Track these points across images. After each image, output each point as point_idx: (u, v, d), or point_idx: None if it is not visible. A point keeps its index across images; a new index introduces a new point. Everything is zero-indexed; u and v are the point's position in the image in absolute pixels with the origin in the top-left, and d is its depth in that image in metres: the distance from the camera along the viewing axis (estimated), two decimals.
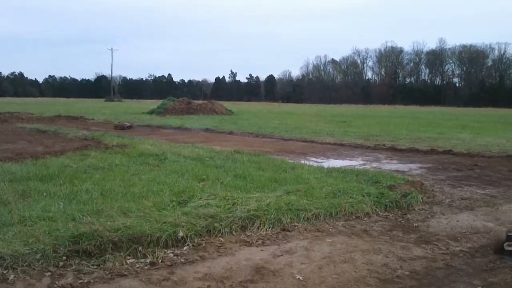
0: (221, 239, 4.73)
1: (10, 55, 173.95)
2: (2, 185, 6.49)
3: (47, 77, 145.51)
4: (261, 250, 4.51)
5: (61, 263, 3.87)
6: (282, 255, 4.36)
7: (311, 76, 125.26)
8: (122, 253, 4.14)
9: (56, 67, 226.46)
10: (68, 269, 3.81)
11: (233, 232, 4.93)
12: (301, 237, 4.91)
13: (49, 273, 3.71)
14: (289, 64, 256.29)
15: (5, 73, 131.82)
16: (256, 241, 4.75)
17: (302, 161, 10.05)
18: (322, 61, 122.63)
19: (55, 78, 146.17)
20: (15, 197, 5.73)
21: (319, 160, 10.78)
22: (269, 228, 5.12)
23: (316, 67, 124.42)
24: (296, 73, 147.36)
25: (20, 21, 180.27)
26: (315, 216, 5.51)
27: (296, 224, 5.30)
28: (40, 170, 7.64)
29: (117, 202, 5.54)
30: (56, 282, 3.57)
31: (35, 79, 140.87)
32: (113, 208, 5.17)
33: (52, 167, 7.90)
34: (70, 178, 7.00)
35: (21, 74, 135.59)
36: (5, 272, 3.64)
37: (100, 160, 8.92)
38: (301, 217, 5.42)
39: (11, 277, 3.60)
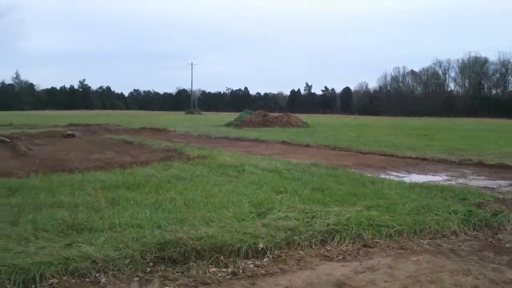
0: (301, 252, 4.70)
1: (99, 70, 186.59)
2: (93, 192, 6.93)
3: (132, 91, 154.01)
4: (342, 265, 4.43)
5: (148, 269, 4.05)
6: (364, 272, 4.24)
7: (389, 88, 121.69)
8: (205, 262, 4.25)
9: (141, 82, 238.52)
10: (154, 275, 3.97)
11: (313, 246, 4.88)
12: (384, 254, 4.76)
13: (137, 278, 3.89)
14: (366, 75, 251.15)
15: (94, 87, 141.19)
16: (337, 256, 4.66)
17: (382, 176, 9.75)
18: (401, 72, 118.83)
19: (140, 92, 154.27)
20: (105, 204, 6.09)
21: (400, 174, 10.41)
22: (349, 243, 5.01)
23: (395, 79, 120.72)
24: (373, 84, 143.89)
25: (107, 39, 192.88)
26: (398, 233, 5.31)
27: (378, 240, 5.14)
28: (128, 179, 8.08)
29: (199, 211, 5.70)
30: None
31: (121, 92, 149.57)
32: (195, 217, 5.33)
33: (138, 177, 8.32)
34: (155, 188, 7.33)
35: (108, 88, 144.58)
36: (97, 275, 3.87)
37: (182, 170, 9.26)
38: (383, 234, 5.25)
39: (103, 280, 3.81)
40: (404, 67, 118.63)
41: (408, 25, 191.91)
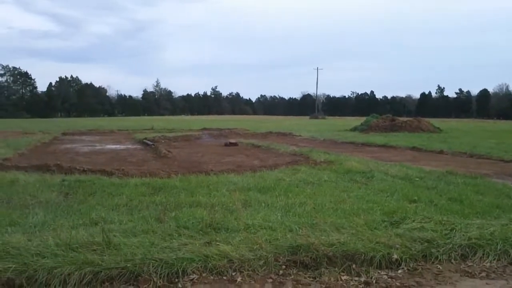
0: (438, 266, 4.42)
1: (229, 78, 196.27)
2: (227, 194, 7.28)
3: (259, 96, 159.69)
4: (486, 283, 4.08)
5: (281, 272, 4.13)
6: None
7: None
8: (336, 269, 4.21)
9: (267, 88, 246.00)
10: (287, 278, 4.04)
11: (452, 261, 4.56)
12: None
13: (270, 280, 3.99)
14: (507, 77, 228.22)
15: (225, 93, 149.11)
16: (479, 273, 4.30)
17: None
18: None
19: (266, 97, 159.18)
20: (239, 205, 6.35)
21: None
22: (494, 260, 4.60)
23: None
24: None
25: (238, 49, 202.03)
26: None
27: None
28: (258, 182, 8.35)
29: (329, 217, 5.67)
30: None
31: (249, 98, 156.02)
32: (326, 223, 5.31)
33: (268, 180, 8.56)
34: (284, 191, 7.48)
35: (237, 94, 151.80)
36: (233, 274, 4.05)
37: (309, 175, 9.31)
38: None
39: (239, 279, 3.98)
40: None
41: None
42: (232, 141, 18.50)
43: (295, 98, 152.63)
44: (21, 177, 8.87)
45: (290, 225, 5.21)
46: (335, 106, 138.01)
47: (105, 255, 4.15)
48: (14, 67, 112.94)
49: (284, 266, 4.21)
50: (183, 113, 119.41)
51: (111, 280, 3.88)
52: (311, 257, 4.30)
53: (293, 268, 4.20)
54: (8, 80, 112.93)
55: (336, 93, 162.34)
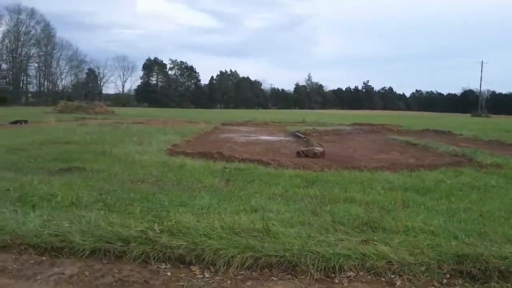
0: None
1: (382, 71, 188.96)
2: (382, 192, 7.06)
3: (414, 91, 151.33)
4: None
5: (444, 281, 3.86)
6: None
7: None
8: (509, 285, 3.79)
9: (423, 82, 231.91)
10: None
11: None
12: None
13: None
14: None
15: (377, 88, 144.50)
16: None
17: None
18: None
19: (422, 93, 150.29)
20: (395, 205, 6.11)
21: None
22: None
23: None
24: None
25: (391, 41, 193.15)
26: None
27: None
28: (416, 182, 7.93)
29: (500, 227, 5.13)
30: None
31: (403, 93, 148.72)
32: (496, 233, 4.81)
33: (426, 181, 8.08)
34: (446, 194, 6.98)
35: (390, 89, 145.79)
36: (392, 276, 3.90)
37: (474, 178, 8.54)
38: None
39: (398, 283, 3.82)
40: None
41: None
42: (305, 149, 13.10)
43: (454, 93, 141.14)
44: (188, 162, 9.76)
45: (454, 232, 4.83)
46: (502, 104, 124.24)
47: (264, 242, 4.34)
48: (181, 62, 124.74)
49: (448, 275, 3.92)
50: (333, 107, 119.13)
51: (270, 267, 4.04)
52: (479, 269, 3.94)
53: (458, 279, 3.89)
54: (176, 73, 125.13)
55: (503, 89, 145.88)
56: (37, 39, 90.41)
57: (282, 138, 20.54)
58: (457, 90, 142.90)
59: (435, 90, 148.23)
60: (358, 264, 4.02)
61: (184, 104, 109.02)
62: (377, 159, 12.20)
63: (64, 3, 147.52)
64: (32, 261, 4.20)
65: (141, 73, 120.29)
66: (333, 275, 3.94)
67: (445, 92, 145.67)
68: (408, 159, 12.49)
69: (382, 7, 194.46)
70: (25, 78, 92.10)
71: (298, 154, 12.48)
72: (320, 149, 13.04)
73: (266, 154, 12.56)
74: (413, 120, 46.90)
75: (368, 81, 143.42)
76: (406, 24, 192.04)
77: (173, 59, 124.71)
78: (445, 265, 4.00)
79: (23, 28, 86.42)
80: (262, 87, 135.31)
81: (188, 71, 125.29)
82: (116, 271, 4.02)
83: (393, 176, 8.53)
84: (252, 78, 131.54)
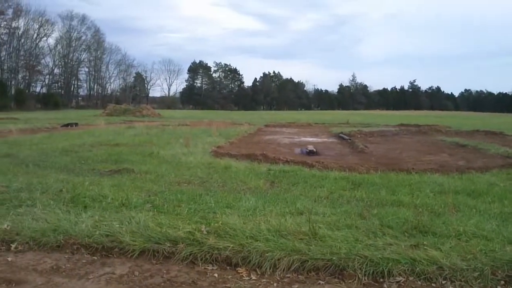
0: None
1: (429, 71, 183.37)
2: (431, 195, 6.88)
3: (463, 91, 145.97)
4: None
5: (498, 287, 3.72)
6: None
7: None
8: None
9: (472, 81, 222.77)
10: None
11: None
12: None
13: None
14: None
15: (423, 87, 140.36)
16: None
17: None
18: None
19: (471, 92, 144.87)
20: (445, 209, 5.94)
21: None
22: None
23: None
24: None
25: (438, 40, 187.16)
26: None
27: None
28: (467, 185, 7.69)
29: None
30: None
31: (451, 93, 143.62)
32: None
33: (478, 183, 7.81)
34: (499, 198, 6.73)
35: (437, 88, 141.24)
36: (443, 282, 3.79)
37: None
38: None
39: None
40: None
41: None
42: (311, 148, 14.54)
43: (505, 93, 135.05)
44: (233, 164, 9.86)
45: (509, 237, 4.64)
46: None
47: (311, 245, 4.32)
48: (225, 64, 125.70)
49: (502, 282, 3.77)
50: (378, 107, 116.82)
51: (317, 271, 4.02)
52: None
53: None
54: (220, 76, 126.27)
55: None
56: (88, 44, 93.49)
57: (326, 139, 20.37)
58: (508, 90, 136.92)
59: (485, 89, 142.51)
60: (408, 269, 3.93)
61: (228, 106, 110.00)
62: (425, 161, 11.89)
63: (113, 9, 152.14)
64: (84, 261, 4.35)
65: (186, 76, 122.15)
66: (381, 279, 3.87)
67: (495, 91, 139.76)
68: (458, 161, 12.10)
69: (428, 7, 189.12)
70: (76, 82, 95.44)
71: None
72: (311, 146, 14.71)
73: (310, 156, 12.49)
74: (462, 120, 45.39)
75: (414, 80, 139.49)
76: (455, 21, 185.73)
77: (217, 62, 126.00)
78: (499, 271, 3.85)
79: (75, 34, 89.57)
80: (305, 88, 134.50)
81: (232, 73, 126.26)
82: (165, 271, 4.11)
83: (442, 179, 8.31)
84: (295, 79, 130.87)
